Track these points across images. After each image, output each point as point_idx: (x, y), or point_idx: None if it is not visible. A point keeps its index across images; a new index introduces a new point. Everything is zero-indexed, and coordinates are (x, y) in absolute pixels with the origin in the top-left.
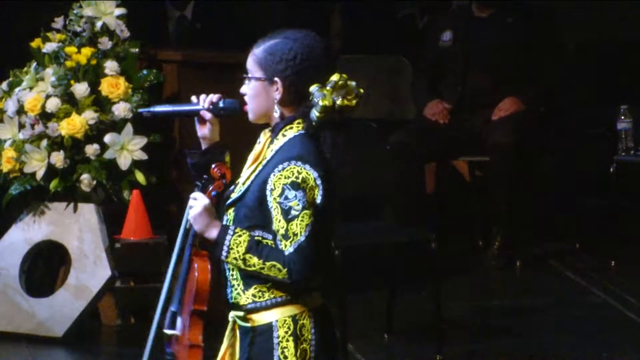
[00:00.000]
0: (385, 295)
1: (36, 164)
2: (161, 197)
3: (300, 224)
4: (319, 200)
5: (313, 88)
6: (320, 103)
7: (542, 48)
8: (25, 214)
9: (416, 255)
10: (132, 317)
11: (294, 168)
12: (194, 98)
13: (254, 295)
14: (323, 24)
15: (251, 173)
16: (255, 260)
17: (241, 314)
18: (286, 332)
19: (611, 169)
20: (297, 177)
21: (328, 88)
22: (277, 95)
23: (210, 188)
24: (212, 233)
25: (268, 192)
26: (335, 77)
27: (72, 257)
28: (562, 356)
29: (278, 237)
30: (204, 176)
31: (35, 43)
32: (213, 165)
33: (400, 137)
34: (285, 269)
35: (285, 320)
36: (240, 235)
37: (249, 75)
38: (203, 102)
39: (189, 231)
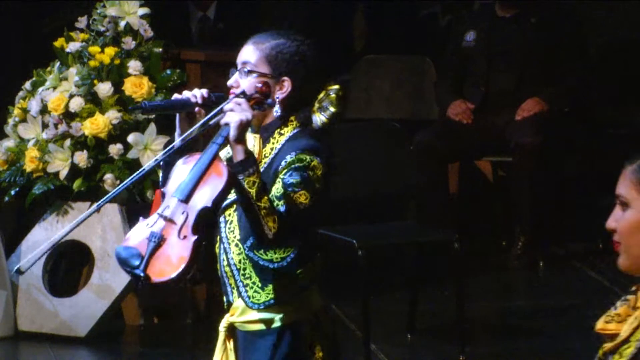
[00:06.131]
0: (408, 295)
1: (59, 164)
2: None
3: (295, 197)
4: (315, 192)
5: (322, 95)
6: (332, 110)
7: (565, 48)
8: (48, 213)
9: (439, 256)
10: (156, 317)
11: (307, 156)
12: (177, 95)
13: (275, 290)
14: (346, 24)
15: None
16: (265, 199)
17: (257, 317)
18: (312, 329)
19: None
20: (308, 164)
21: (332, 95)
22: (281, 95)
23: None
24: (240, 148)
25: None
26: (336, 86)
27: (95, 257)
28: (585, 357)
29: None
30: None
31: (59, 42)
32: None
33: (423, 137)
34: (277, 226)
35: (308, 318)
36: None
37: (250, 68)
38: (193, 97)
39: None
